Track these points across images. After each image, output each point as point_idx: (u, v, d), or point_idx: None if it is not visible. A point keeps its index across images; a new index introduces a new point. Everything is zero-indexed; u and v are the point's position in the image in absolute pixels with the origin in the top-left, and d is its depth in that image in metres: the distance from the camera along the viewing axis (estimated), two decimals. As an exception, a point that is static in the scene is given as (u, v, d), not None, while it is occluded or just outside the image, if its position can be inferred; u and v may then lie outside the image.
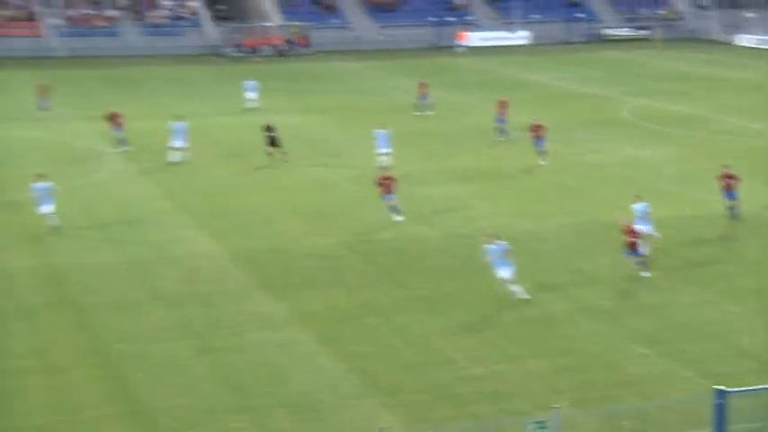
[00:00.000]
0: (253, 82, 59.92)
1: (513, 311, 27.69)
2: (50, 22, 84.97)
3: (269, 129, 44.85)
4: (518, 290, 28.13)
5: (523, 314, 27.53)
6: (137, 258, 32.45)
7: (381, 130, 43.92)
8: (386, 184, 35.74)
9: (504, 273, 28.06)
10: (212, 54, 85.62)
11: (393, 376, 23.90)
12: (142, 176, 43.23)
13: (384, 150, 43.56)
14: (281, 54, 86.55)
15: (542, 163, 44.46)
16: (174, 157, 44.51)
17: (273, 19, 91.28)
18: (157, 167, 44.27)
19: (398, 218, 35.75)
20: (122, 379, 23.75)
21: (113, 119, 47.16)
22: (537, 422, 18.64)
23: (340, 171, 44.00)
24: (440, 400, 22.69)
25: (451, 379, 23.67)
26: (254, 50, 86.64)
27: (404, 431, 21.10)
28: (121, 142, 46.92)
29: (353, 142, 49.98)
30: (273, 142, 44.62)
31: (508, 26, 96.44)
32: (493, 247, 28.21)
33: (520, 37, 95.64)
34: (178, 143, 44.73)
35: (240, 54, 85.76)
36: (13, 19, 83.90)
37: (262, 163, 44.75)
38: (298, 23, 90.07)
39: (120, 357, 24.89)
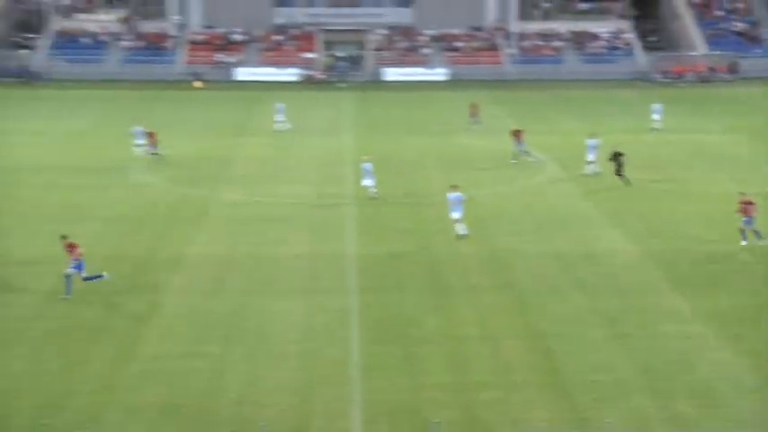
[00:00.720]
0: (658, 105, 57.60)
1: None
2: (507, 51, 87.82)
3: (617, 155, 42.30)
4: None
5: None
6: (563, 251, 32.52)
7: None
8: (745, 208, 32.55)
9: None
10: (640, 79, 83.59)
11: (792, 376, 22.11)
12: (569, 182, 43.18)
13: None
14: (702, 80, 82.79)
15: None
16: (587, 169, 43.83)
17: (699, 49, 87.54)
18: (581, 175, 43.97)
19: (743, 242, 32.21)
20: (546, 353, 23.97)
21: (516, 135, 47.38)
22: None
23: (750, 186, 41.10)
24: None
25: None
26: (679, 77, 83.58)
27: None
28: (522, 154, 46.81)
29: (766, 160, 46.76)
30: (619, 168, 42.10)
31: None
32: None
33: None
34: (591, 157, 43.99)
35: (666, 80, 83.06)
36: (479, 49, 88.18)
37: (666, 176, 42.99)
38: (721, 53, 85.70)
39: (545, 334, 25.13)
